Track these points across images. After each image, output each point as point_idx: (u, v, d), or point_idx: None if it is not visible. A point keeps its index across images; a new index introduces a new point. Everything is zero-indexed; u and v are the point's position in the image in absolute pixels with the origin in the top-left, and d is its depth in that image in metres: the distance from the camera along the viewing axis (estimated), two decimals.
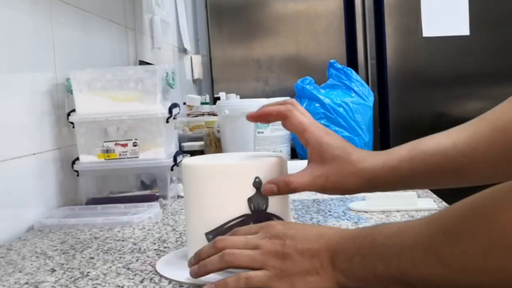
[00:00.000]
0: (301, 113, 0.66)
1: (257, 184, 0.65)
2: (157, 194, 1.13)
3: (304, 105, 1.54)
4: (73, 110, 1.12)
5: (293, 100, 0.67)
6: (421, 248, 0.47)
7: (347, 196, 1.11)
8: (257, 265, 0.56)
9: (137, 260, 0.74)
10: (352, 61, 2.55)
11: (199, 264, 0.60)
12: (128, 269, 0.71)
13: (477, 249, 0.44)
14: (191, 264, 0.62)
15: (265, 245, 0.57)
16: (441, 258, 0.46)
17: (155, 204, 1.06)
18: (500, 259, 0.42)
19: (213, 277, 0.61)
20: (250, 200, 0.65)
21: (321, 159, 0.65)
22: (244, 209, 0.65)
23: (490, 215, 0.43)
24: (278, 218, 0.67)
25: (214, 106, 1.86)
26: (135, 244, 0.84)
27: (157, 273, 0.68)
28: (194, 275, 0.60)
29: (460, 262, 0.45)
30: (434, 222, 0.48)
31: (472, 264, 0.44)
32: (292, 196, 1.13)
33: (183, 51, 2.44)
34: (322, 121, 1.51)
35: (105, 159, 1.11)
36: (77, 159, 1.12)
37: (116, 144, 1.11)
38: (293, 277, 0.55)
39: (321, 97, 1.53)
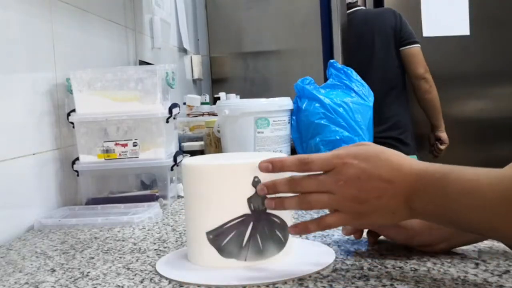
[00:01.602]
0: None
1: (256, 183, 0.65)
2: (157, 194, 1.13)
3: (304, 105, 1.54)
4: (73, 110, 1.12)
5: None
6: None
7: None
8: (334, 208, 0.61)
9: (137, 260, 0.74)
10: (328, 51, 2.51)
11: (277, 199, 0.63)
12: (128, 269, 0.71)
13: None
14: (264, 191, 0.64)
15: (340, 191, 0.59)
16: None
17: (155, 204, 1.06)
18: None
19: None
20: (250, 200, 0.65)
21: None
22: (244, 209, 0.65)
23: None
24: (278, 218, 0.67)
25: (214, 106, 1.86)
26: (135, 244, 0.84)
27: (157, 273, 0.68)
28: (271, 206, 0.64)
29: None
30: None
31: None
32: None
33: (183, 51, 2.44)
34: (322, 121, 1.51)
35: (105, 159, 1.11)
36: (77, 159, 1.12)
37: (116, 144, 1.11)
38: (370, 216, 0.59)
39: (321, 97, 1.53)
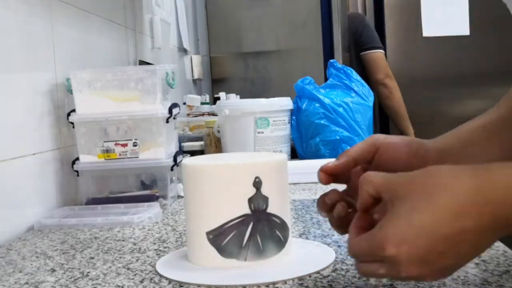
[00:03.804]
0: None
1: (257, 184, 0.65)
2: (157, 194, 1.13)
3: (304, 105, 1.55)
4: (73, 110, 1.12)
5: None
6: None
7: None
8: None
9: (137, 260, 0.74)
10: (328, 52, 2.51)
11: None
12: (128, 269, 0.71)
13: None
14: None
15: (410, 277, 0.47)
16: None
17: (155, 204, 1.06)
18: None
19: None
20: (250, 200, 0.65)
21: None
22: (244, 209, 0.65)
23: None
24: (278, 218, 0.67)
25: (214, 106, 1.86)
26: (135, 244, 0.84)
27: (157, 273, 0.68)
28: None
29: None
30: None
31: None
32: (292, 196, 1.13)
33: (183, 51, 2.44)
34: (322, 121, 1.51)
35: (105, 159, 1.11)
36: (77, 159, 1.12)
37: (116, 144, 1.11)
38: (458, 266, 0.48)
39: (321, 97, 1.53)
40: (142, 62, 1.76)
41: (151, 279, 0.66)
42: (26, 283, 0.68)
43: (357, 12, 2.76)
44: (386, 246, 0.46)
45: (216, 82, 2.71)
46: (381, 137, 0.64)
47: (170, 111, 1.12)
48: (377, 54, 2.44)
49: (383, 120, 2.71)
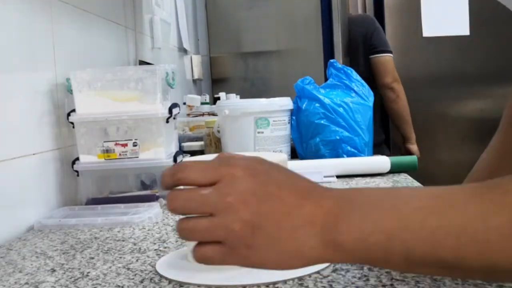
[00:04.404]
0: None
1: None
2: (157, 194, 1.13)
3: (304, 105, 1.55)
4: (73, 110, 1.12)
5: None
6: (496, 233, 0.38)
7: None
8: (215, 239, 0.43)
9: (137, 260, 0.74)
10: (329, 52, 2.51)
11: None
12: (128, 269, 0.71)
13: None
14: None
15: (226, 212, 0.42)
16: None
17: (155, 204, 1.06)
18: None
19: None
20: None
21: None
22: None
23: None
24: None
25: (214, 106, 1.86)
26: (135, 244, 0.84)
27: (157, 273, 0.68)
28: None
29: None
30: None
31: None
32: None
33: (183, 51, 2.44)
34: (322, 121, 1.51)
35: (105, 159, 1.11)
36: (77, 159, 1.12)
37: (116, 144, 1.11)
38: (263, 252, 0.42)
39: (321, 97, 1.53)
40: (142, 62, 1.76)
41: (151, 279, 0.66)
42: (26, 283, 0.68)
43: (367, 14, 2.76)
44: (230, 163, 0.43)
45: (216, 82, 2.71)
46: None
47: (170, 111, 1.12)
48: (386, 57, 2.44)
49: (383, 120, 2.71)
